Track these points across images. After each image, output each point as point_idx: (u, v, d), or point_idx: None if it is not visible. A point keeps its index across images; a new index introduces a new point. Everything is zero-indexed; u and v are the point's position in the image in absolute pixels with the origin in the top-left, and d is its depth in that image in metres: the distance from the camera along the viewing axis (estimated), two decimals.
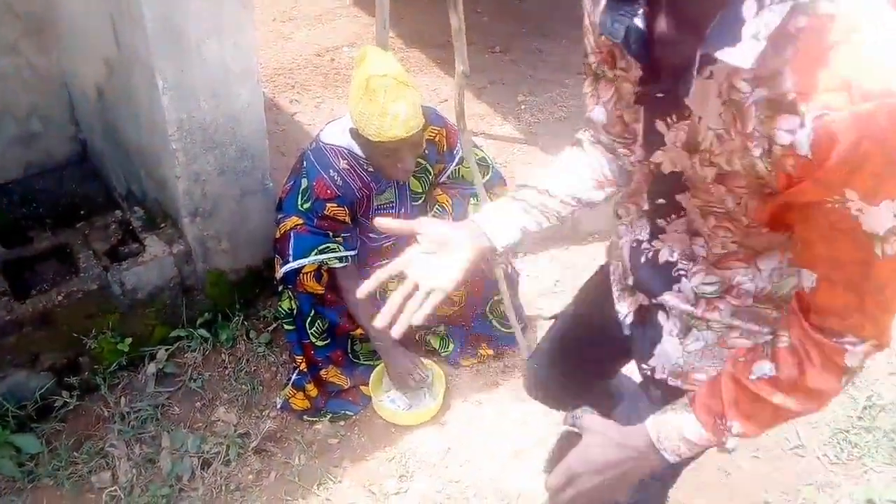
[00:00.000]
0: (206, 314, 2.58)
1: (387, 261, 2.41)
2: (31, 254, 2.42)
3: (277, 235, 2.29)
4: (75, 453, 2.22)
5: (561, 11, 5.11)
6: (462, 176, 2.40)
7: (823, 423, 2.40)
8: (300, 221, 2.24)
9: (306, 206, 2.23)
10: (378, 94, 1.99)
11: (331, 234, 2.25)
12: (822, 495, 2.18)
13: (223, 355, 2.55)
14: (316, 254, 2.22)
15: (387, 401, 2.43)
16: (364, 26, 4.70)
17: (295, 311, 2.31)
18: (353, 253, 2.30)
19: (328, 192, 2.21)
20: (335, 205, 2.22)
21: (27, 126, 2.85)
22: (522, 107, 4.10)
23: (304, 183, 2.23)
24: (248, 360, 2.55)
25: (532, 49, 4.70)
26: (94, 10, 2.30)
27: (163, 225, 2.52)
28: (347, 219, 2.27)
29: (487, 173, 2.44)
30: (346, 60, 4.36)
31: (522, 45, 4.74)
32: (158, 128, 2.23)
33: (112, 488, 2.13)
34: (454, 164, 2.37)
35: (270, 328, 2.65)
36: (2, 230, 2.64)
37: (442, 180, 2.41)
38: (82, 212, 2.82)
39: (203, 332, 2.54)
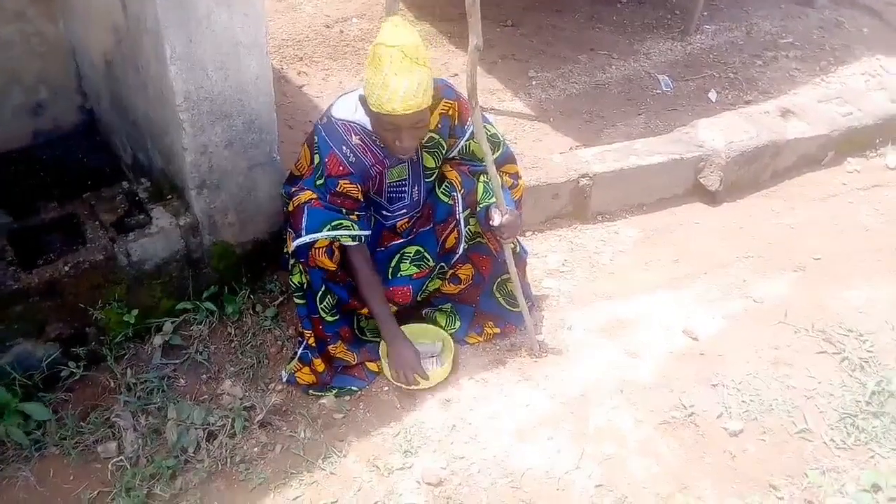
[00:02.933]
0: (213, 287, 2.57)
1: (401, 240, 2.41)
2: (38, 223, 2.41)
3: (290, 208, 2.27)
4: (82, 423, 2.23)
5: None
6: (473, 152, 2.37)
7: (831, 407, 2.39)
8: (314, 196, 2.22)
9: (319, 182, 2.21)
10: (383, 64, 1.96)
11: (344, 210, 2.23)
12: (828, 479, 2.17)
13: (229, 328, 2.55)
14: (329, 229, 2.20)
15: None
16: None
17: (306, 286, 2.29)
18: (366, 233, 2.28)
19: (341, 168, 2.18)
20: (348, 181, 2.20)
21: (34, 95, 2.83)
22: (533, 82, 4.04)
23: (317, 159, 2.21)
24: (254, 334, 2.55)
25: (545, 24, 4.63)
26: None
27: (169, 197, 2.50)
28: (360, 195, 2.24)
29: (498, 150, 2.40)
30: (356, 32, 4.30)
31: (535, 19, 4.66)
32: (166, 98, 2.21)
33: (118, 458, 2.14)
34: (465, 138, 2.34)
35: (277, 302, 2.65)
36: (9, 199, 2.63)
37: (452, 155, 2.38)
38: (89, 182, 2.81)
39: (209, 304, 2.54)
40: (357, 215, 2.25)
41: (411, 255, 2.42)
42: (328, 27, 4.35)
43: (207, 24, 2.08)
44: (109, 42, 2.49)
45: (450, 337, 2.52)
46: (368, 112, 2.11)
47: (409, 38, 1.99)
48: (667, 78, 4.18)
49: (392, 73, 1.96)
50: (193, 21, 2.06)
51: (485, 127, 2.28)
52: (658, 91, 4.08)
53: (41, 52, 2.77)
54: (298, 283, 2.30)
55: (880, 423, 2.33)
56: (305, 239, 2.20)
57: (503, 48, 4.29)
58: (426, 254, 2.41)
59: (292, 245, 2.23)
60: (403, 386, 2.39)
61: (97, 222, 2.40)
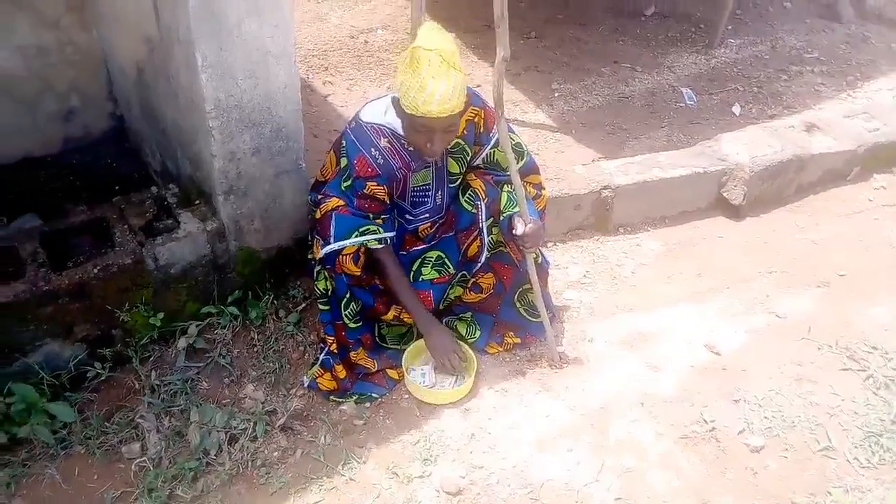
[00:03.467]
0: (237, 292, 2.60)
1: (423, 245, 2.44)
2: (68, 226, 2.46)
3: (318, 216, 2.30)
4: (106, 423, 2.26)
5: None
6: (497, 161, 2.39)
7: (854, 425, 2.36)
8: (342, 203, 2.25)
9: (346, 184, 2.24)
10: (421, 66, 1.99)
11: (371, 215, 2.26)
12: (852, 498, 2.14)
13: (252, 333, 2.58)
14: (357, 235, 2.23)
15: (417, 376, 2.45)
16: (399, 9, 4.68)
17: (330, 292, 2.32)
18: (392, 234, 2.31)
19: (369, 170, 2.21)
20: (375, 183, 2.22)
21: (66, 102, 2.90)
22: (556, 94, 4.06)
23: (344, 161, 2.23)
24: (276, 339, 2.58)
25: (568, 36, 4.65)
26: None
27: (197, 202, 2.54)
28: (386, 198, 2.27)
29: (521, 160, 2.42)
30: (380, 42, 4.35)
31: (559, 31, 4.69)
32: (196, 106, 2.25)
33: (141, 459, 2.16)
34: (490, 146, 2.36)
35: (300, 308, 2.67)
36: (40, 203, 2.69)
37: (477, 163, 2.40)
38: (118, 188, 2.86)
39: (233, 309, 2.57)
40: (382, 219, 2.28)
41: (433, 260, 2.44)
42: (353, 37, 4.40)
43: (238, 33, 2.12)
44: (141, 51, 2.54)
45: (473, 356, 2.50)
46: (401, 114, 2.13)
47: (446, 42, 2.02)
48: (690, 91, 4.17)
49: (430, 76, 1.99)
50: (224, 30, 2.10)
51: (509, 136, 2.29)
52: (681, 104, 4.07)
53: (74, 61, 2.83)
54: (324, 289, 2.33)
55: None
56: (334, 246, 2.22)
57: (527, 60, 4.32)
58: (447, 260, 2.43)
59: (320, 252, 2.26)
60: (417, 396, 2.41)
61: (126, 226, 2.44)
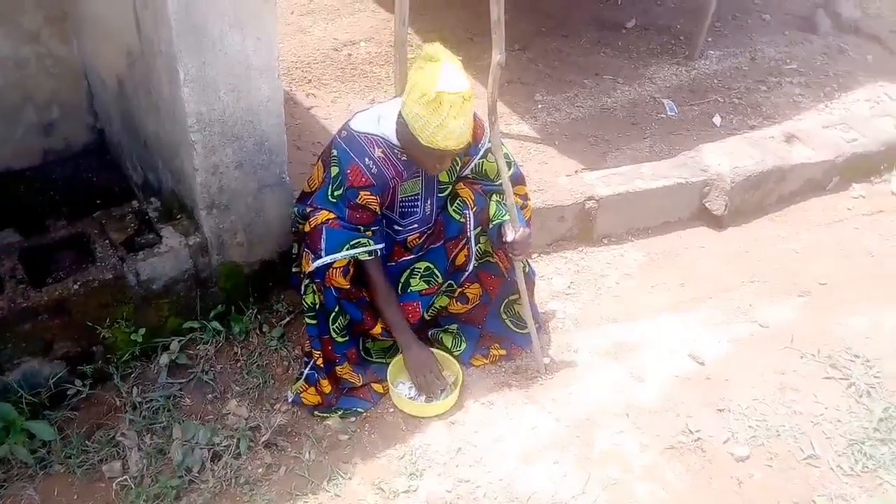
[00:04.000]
0: (220, 306, 2.58)
1: (412, 256, 2.43)
2: (48, 242, 2.43)
3: (307, 229, 2.28)
4: (87, 442, 2.23)
5: (581, 11, 5.09)
6: (485, 171, 2.40)
7: (838, 434, 2.38)
8: (332, 216, 2.24)
9: (337, 193, 2.22)
10: (443, 108, 2.01)
11: (362, 227, 2.25)
12: None
13: (236, 348, 2.56)
14: (348, 248, 2.22)
15: (404, 389, 2.44)
16: (382, 21, 4.69)
17: (318, 306, 2.30)
18: (381, 246, 2.31)
19: (363, 179, 2.20)
20: (368, 193, 2.22)
21: (47, 114, 2.87)
22: (539, 106, 4.08)
23: (335, 171, 2.22)
24: (260, 354, 2.56)
25: (551, 48, 4.68)
26: (117, 0, 2.31)
27: (179, 216, 2.52)
28: (378, 208, 2.27)
29: (509, 170, 2.43)
30: (363, 55, 4.35)
31: (542, 44, 4.72)
32: (178, 119, 2.23)
33: (122, 478, 2.13)
34: (478, 157, 2.37)
35: (283, 322, 2.65)
36: (19, 217, 2.65)
37: (465, 173, 2.40)
38: (98, 201, 2.83)
39: (216, 324, 2.55)
40: (372, 231, 2.28)
41: (421, 270, 2.44)
42: (336, 50, 4.40)
43: (221, 46, 2.11)
44: (122, 63, 2.52)
45: (459, 369, 2.50)
46: (408, 136, 2.13)
47: (465, 82, 2.05)
48: (672, 103, 4.21)
49: (452, 116, 2.02)
50: (207, 44, 2.09)
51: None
52: (663, 115, 4.11)
53: (54, 73, 2.80)
54: (311, 303, 2.31)
55: (888, 449, 2.32)
56: (326, 259, 2.21)
57: (510, 72, 4.34)
58: (435, 270, 2.43)
59: (311, 266, 2.23)
60: (403, 409, 2.40)
61: (107, 241, 2.41)
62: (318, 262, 2.22)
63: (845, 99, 4.37)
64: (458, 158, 2.35)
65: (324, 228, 2.22)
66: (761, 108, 4.25)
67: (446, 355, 2.53)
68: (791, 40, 5.07)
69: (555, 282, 3.04)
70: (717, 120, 4.10)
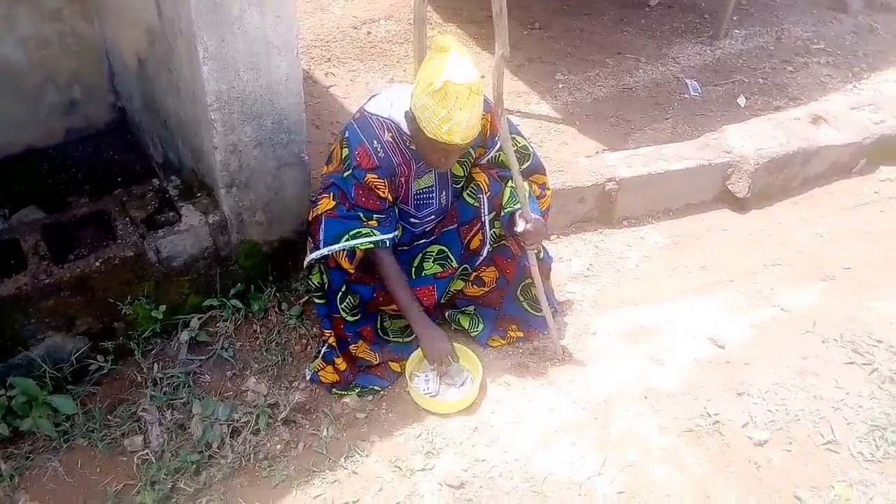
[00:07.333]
0: (239, 285, 2.60)
1: (424, 240, 2.42)
2: (70, 219, 2.45)
3: (311, 217, 2.29)
4: (109, 416, 2.26)
5: None
6: (501, 162, 2.37)
7: (859, 419, 2.35)
8: (332, 205, 2.23)
9: (347, 173, 2.22)
10: (449, 99, 1.97)
11: (363, 217, 2.22)
12: (856, 493, 2.13)
13: (255, 326, 2.58)
14: (347, 239, 2.20)
15: (422, 382, 2.42)
16: None
17: (325, 286, 2.31)
18: (388, 236, 2.26)
19: (369, 161, 2.19)
20: (375, 175, 2.21)
21: (68, 93, 2.89)
22: (560, 86, 4.03)
23: (345, 152, 2.22)
24: (279, 332, 2.57)
25: (572, 27, 4.62)
26: None
27: (199, 195, 2.53)
28: (387, 194, 2.24)
29: (527, 160, 2.41)
30: (383, 34, 4.32)
31: (563, 22, 4.65)
32: (198, 98, 2.24)
33: (143, 452, 2.17)
34: (495, 149, 2.35)
35: (302, 300, 2.66)
36: (42, 195, 2.68)
37: (482, 163, 2.39)
38: (119, 179, 2.85)
39: (236, 302, 2.56)
40: (377, 219, 2.24)
41: (434, 254, 2.43)
42: (356, 28, 4.37)
43: (240, 24, 2.10)
44: (143, 43, 2.53)
45: (479, 363, 2.46)
46: (415, 129, 2.10)
47: (474, 72, 1.99)
48: (695, 83, 4.14)
49: (458, 107, 1.98)
50: (226, 22, 2.08)
51: (514, 139, 2.27)
52: (686, 96, 4.05)
53: (76, 52, 2.82)
54: (318, 283, 2.32)
55: None
56: (324, 251, 2.21)
57: (530, 51, 4.29)
58: (450, 253, 2.42)
59: (308, 257, 2.26)
60: (425, 407, 2.38)
61: (128, 219, 2.43)
62: (315, 254, 2.23)
63: (875, 79, 4.27)
64: (472, 151, 2.33)
65: (322, 219, 2.22)
66: (787, 88, 4.17)
67: (465, 349, 2.50)
68: (819, 19, 4.95)
69: (573, 264, 3.02)
70: (741, 101, 4.03)
